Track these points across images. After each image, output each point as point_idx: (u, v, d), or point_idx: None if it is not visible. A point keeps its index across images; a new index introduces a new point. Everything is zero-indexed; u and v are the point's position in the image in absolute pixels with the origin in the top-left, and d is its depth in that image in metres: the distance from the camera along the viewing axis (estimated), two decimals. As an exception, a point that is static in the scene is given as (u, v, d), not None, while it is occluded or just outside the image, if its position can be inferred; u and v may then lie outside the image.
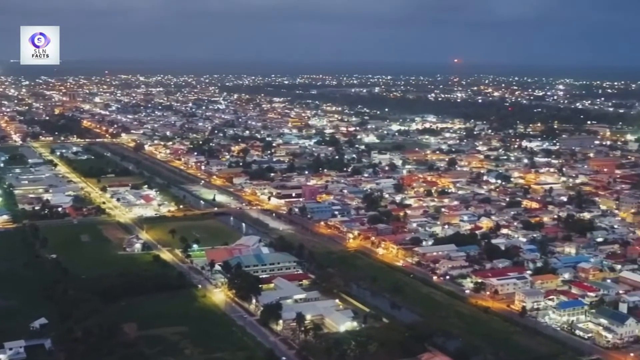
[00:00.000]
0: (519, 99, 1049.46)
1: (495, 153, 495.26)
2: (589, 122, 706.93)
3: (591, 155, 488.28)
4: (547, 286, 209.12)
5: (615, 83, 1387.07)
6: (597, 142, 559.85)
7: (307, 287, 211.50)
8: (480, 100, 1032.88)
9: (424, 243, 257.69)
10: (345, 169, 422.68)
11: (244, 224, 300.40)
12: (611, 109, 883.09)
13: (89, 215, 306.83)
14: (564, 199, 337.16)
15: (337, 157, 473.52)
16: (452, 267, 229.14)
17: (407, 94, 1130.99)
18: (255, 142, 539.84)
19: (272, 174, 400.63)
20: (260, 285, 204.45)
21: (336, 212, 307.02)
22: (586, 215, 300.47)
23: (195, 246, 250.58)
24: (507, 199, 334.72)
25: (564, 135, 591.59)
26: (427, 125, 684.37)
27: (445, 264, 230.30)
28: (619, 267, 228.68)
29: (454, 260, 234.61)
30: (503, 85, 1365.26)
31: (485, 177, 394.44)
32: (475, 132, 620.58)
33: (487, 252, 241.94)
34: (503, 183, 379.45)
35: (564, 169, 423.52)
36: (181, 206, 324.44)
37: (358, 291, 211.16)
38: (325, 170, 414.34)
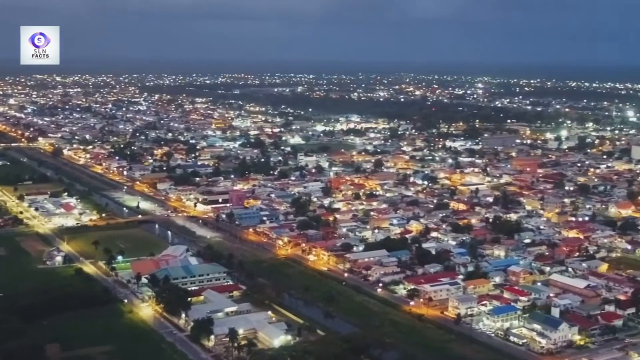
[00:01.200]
0: (440, 98, 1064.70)
1: (420, 153, 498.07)
2: (509, 121, 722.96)
3: (513, 154, 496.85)
4: (480, 291, 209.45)
5: (532, 81, 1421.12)
6: (518, 141, 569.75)
7: (238, 299, 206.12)
8: (402, 99, 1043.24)
9: (354, 249, 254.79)
10: (271, 172, 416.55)
11: (170, 232, 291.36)
12: (529, 107, 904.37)
13: (5, 226, 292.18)
14: (490, 199, 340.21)
15: (262, 159, 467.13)
16: (385, 273, 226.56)
17: (330, 93, 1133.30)
18: (179, 145, 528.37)
19: (198, 179, 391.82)
20: (189, 299, 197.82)
21: (265, 218, 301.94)
22: (513, 216, 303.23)
23: (119, 258, 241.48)
24: (435, 201, 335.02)
25: (485, 135, 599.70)
26: (352, 125, 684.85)
27: (378, 271, 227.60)
28: (547, 269, 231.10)
29: (385, 266, 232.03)
30: (424, 83, 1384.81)
31: (412, 179, 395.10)
32: (399, 132, 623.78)
33: (419, 257, 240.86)
34: (430, 184, 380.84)
35: (488, 169, 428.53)
36: (104, 215, 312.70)
37: (290, 301, 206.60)
38: (252, 174, 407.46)
